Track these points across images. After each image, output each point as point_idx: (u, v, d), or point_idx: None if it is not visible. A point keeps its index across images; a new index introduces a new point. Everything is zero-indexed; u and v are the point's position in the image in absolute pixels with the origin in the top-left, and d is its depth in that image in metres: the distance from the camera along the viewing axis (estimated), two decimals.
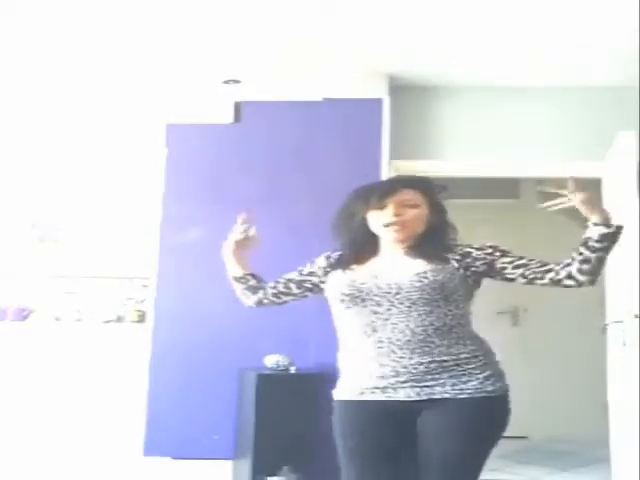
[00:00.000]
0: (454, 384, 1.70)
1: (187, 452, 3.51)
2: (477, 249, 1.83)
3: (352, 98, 3.71)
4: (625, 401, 3.27)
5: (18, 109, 3.99)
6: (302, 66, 3.71)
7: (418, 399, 1.70)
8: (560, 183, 1.84)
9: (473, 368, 1.72)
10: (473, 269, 1.81)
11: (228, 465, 3.46)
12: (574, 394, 4.94)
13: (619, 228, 1.92)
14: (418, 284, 1.73)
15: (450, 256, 1.81)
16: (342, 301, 1.79)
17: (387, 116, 3.69)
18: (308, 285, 1.98)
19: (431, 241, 1.83)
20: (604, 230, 1.88)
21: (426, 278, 1.73)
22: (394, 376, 1.70)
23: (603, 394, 3.64)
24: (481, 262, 1.81)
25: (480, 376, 1.72)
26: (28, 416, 3.64)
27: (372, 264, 1.85)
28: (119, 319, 3.80)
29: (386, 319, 1.73)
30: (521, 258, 1.85)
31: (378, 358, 1.72)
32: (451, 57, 3.63)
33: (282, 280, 2.01)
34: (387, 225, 1.80)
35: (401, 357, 1.70)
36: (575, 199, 1.86)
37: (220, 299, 3.57)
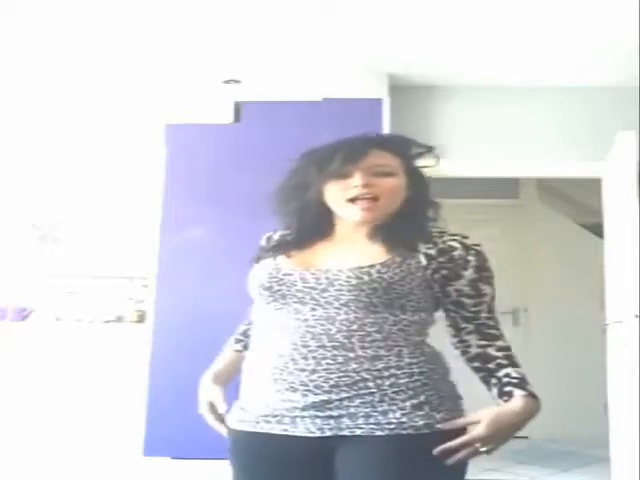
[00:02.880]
0: (368, 414, 1.23)
1: (187, 452, 3.51)
2: (465, 247, 1.34)
3: (352, 98, 3.71)
4: (625, 401, 3.27)
5: (18, 109, 3.99)
6: (302, 66, 3.71)
7: (321, 435, 1.24)
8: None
9: (398, 391, 1.24)
10: (444, 273, 1.33)
11: (228, 465, 3.46)
12: (574, 394, 4.94)
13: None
14: (354, 282, 1.27)
15: (422, 247, 1.33)
16: (260, 295, 1.35)
17: (387, 116, 3.69)
18: None
19: (402, 222, 1.38)
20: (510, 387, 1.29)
21: (367, 274, 1.28)
22: (290, 399, 1.25)
23: (603, 394, 3.64)
24: (460, 267, 1.33)
25: (406, 404, 1.23)
26: (28, 416, 3.64)
27: (315, 250, 1.39)
28: (119, 319, 3.80)
29: (304, 320, 1.28)
30: (485, 313, 1.35)
31: (276, 371, 1.27)
32: (451, 57, 3.63)
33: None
34: (352, 200, 1.35)
35: (302, 369, 1.25)
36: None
37: (220, 299, 3.58)
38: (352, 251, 1.36)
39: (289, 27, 3.29)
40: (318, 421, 1.24)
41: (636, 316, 3.16)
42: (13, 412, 3.65)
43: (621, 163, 3.39)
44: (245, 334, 1.56)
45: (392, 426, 1.22)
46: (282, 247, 1.43)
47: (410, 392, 1.25)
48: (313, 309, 1.29)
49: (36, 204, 3.95)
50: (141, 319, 3.76)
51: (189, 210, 3.70)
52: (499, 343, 1.33)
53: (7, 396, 3.66)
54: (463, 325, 1.35)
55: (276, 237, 1.49)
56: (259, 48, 3.51)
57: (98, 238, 3.88)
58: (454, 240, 1.35)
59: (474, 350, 1.33)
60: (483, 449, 1.24)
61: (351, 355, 1.25)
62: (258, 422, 1.31)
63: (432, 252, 1.33)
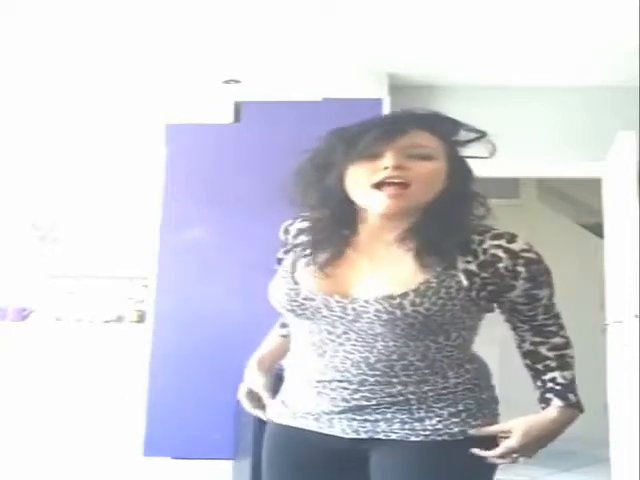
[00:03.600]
0: (404, 420, 1.17)
1: (187, 452, 3.51)
2: (511, 256, 1.15)
3: (352, 98, 3.71)
4: (625, 401, 3.27)
5: (18, 109, 3.99)
6: (302, 66, 3.71)
7: (356, 437, 1.19)
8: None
9: (437, 400, 1.18)
10: (491, 289, 1.16)
11: (228, 465, 3.46)
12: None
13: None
14: (385, 317, 1.13)
15: (460, 262, 1.15)
16: (286, 311, 1.25)
17: None
18: None
19: (439, 223, 1.17)
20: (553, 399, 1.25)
21: (399, 308, 1.12)
22: (330, 409, 1.21)
23: (603, 394, 3.64)
24: (508, 279, 1.16)
25: (444, 412, 1.17)
26: (28, 416, 3.64)
27: (336, 262, 1.23)
28: (119, 319, 3.80)
29: (340, 344, 1.18)
30: (553, 315, 1.27)
31: (319, 385, 1.21)
32: (451, 57, 3.63)
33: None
34: (378, 186, 1.14)
35: (344, 388, 1.19)
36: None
37: (220, 299, 3.59)
38: (379, 267, 1.19)
39: (289, 27, 3.29)
40: (354, 423, 1.19)
41: (636, 316, 3.16)
42: (13, 412, 3.65)
43: (621, 163, 3.39)
44: None
45: (427, 432, 1.16)
46: (299, 252, 1.27)
47: (449, 401, 1.18)
48: (346, 333, 1.18)
49: (36, 204, 3.95)
50: (141, 319, 3.76)
51: (189, 210, 3.70)
52: (555, 340, 1.27)
53: (7, 396, 3.66)
54: (519, 324, 1.28)
55: (293, 231, 1.33)
56: (259, 48, 3.51)
57: (98, 238, 3.88)
58: (498, 247, 1.15)
59: (527, 346, 1.27)
60: (518, 458, 1.21)
61: (395, 380, 1.17)
62: (296, 417, 1.26)
63: (473, 268, 1.14)
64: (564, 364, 1.26)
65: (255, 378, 1.41)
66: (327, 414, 1.22)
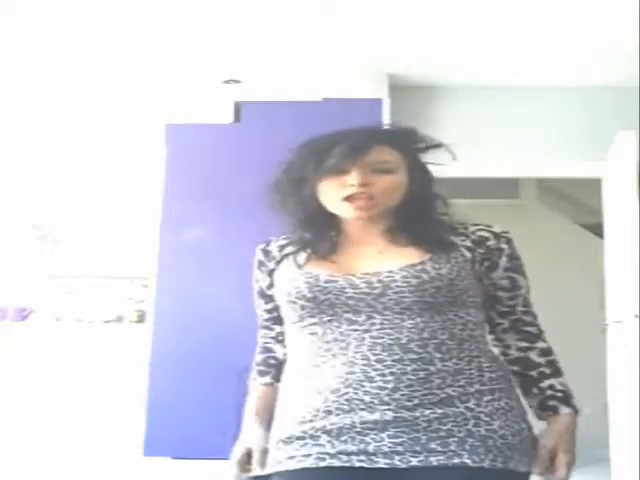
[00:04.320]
0: (462, 440, 1.10)
1: (187, 452, 3.51)
2: (495, 236, 1.29)
3: (352, 98, 3.71)
4: (625, 401, 3.27)
5: (18, 109, 3.99)
6: (302, 66, 3.71)
7: (405, 466, 1.09)
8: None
9: (493, 413, 1.13)
10: (486, 264, 1.26)
11: (228, 465, 3.46)
12: (574, 394, 4.93)
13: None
14: (414, 281, 1.16)
15: (458, 240, 1.26)
16: (302, 308, 1.20)
17: (387, 116, 3.69)
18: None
19: (420, 218, 1.28)
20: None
21: (424, 272, 1.17)
22: (368, 420, 1.11)
23: (603, 394, 3.64)
24: (495, 257, 1.27)
25: (506, 432, 1.12)
26: (28, 416, 3.64)
27: (342, 252, 1.27)
28: (119, 319, 3.80)
29: (365, 331, 1.15)
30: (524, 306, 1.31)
31: (345, 391, 1.13)
32: (451, 57, 3.63)
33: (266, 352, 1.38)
34: (346, 199, 1.23)
35: (382, 387, 1.11)
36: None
37: (220, 299, 3.59)
38: (385, 252, 1.24)
39: (289, 27, 3.29)
40: (400, 448, 1.09)
41: (636, 316, 3.16)
42: (13, 412, 3.65)
43: (621, 163, 3.39)
44: (267, 364, 1.37)
45: (490, 457, 1.09)
46: (299, 250, 1.29)
47: (505, 418, 1.14)
48: (370, 317, 1.16)
49: (36, 204, 3.95)
50: (141, 319, 3.76)
51: (189, 210, 3.70)
52: (540, 345, 1.29)
53: (7, 396, 3.66)
54: (499, 321, 1.30)
55: (276, 248, 1.34)
56: (259, 48, 3.51)
57: (98, 238, 3.88)
58: (482, 230, 1.28)
59: (514, 353, 1.28)
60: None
61: (432, 369, 1.13)
62: (322, 458, 1.12)
63: (469, 244, 1.25)
64: (556, 370, 1.29)
65: (257, 433, 1.30)
66: (361, 427, 1.11)
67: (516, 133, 3.90)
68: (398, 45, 3.48)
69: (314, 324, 1.20)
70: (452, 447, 1.09)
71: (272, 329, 1.37)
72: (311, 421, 1.15)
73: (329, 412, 1.14)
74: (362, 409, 1.12)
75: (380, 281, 1.17)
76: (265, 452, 1.25)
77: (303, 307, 1.21)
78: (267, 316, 1.37)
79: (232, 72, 3.75)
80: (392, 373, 1.12)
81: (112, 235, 3.87)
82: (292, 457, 1.16)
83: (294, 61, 3.66)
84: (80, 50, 3.51)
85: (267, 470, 1.22)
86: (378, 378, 1.12)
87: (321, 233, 1.29)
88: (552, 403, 1.24)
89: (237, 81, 3.79)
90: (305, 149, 1.30)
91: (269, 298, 1.33)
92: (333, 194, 1.25)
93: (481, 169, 3.95)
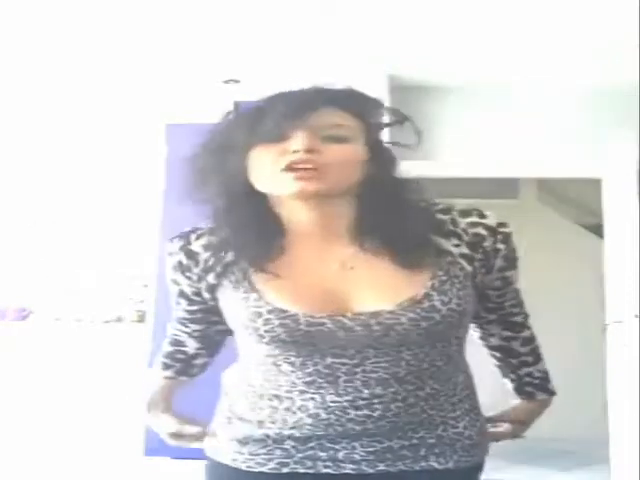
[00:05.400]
0: (431, 447, 1.05)
1: (187, 452, 3.50)
2: (492, 233, 1.07)
3: None
4: (625, 401, 3.27)
5: (18, 109, 3.99)
6: (302, 66, 3.71)
7: (372, 471, 1.04)
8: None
9: (458, 416, 1.08)
10: (482, 271, 1.07)
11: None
12: (574, 394, 4.94)
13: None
14: (425, 324, 0.99)
15: (450, 245, 1.04)
16: (275, 348, 1.02)
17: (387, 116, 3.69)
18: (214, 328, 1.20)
19: (392, 209, 1.02)
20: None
21: (436, 311, 0.99)
22: (344, 432, 1.02)
23: (603, 394, 3.64)
24: (492, 258, 1.08)
25: (471, 432, 1.09)
26: (28, 416, 3.64)
27: (291, 269, 1.02)
28: (119, 319, 3.80)
29: (356, 365, 1.00)
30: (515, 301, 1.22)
31: (325, 416, 1.01)
32: (451, 57, 3.62)
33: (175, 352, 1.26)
34: (286, 169, 0.96)
35: (368, 415, 1.01)
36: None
37: None
38: (353, 267, 1.02)
39: (289, 27, 3.29)
40: (372, 457, 1.02)
41: (636, 316, 3.16)
42: (13, 412, 3.65)
43: (621, 163, 3.39)
44: (174, 357, 1.26)
45: (455, 458, 1.06)
46: (240, 259, 1.04)
47: (466, 417, 1.08)
48: (361, 352, 0.99)
49: (36, 204, 3.95)
50: (141, 319, 3.76)
51: (189, 210, 3.69)
52: (525, 334, 1.24)
53: (7, 396, 3.66)
54: (485, 315, 1.20)
55: (201, 244, 1.10)
56: (259, 48, 3.51)
57: (98, 238, 3.88)
58: (477, 225, 1.06)
59: (496, 341, 1.23)
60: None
61: (421, 394, 1.02)
62: (287, 463, 1.04)
63: (466, 251, 1.04)
64: (537, 357, 1.27)
65: (164, 420, 1.26)
66: (333, 436, 1.02)
67: (516, 133, 3.90)
68: (398, 45, 3.48)
69: (292, 354, 1.02)
70: (421, 452, 1.04)
71: (189, 327, 1.22)
72: (280, 428, 1.04)
73: (300, 427, 1.03)
74: (342, 437, 1.02)
75: (380, 323, 0.98)
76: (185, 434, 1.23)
77: (277, 347, 1.01)
78: (187, 316, 1.20)
79: (232, 72, 3.75)
80: (381, 402, 1.00)
81: (112, 235, 3.87)
82: (249, 459, 1.06)
83: (294, 61, 3.66)
84: (80, 50, 3.51)
85: (211, 455, 1.17)
86: (364, 406, 1.00)
87: (253, 228, 1.02)
88: (529, 389, 1.26)
89: (237, 81, 3.79)
90: (232, 114, 1.07)
91: (194, 302, 1.15)
92: (268, 164, 0.97)
93: (481, 169, 3.95)
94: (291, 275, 1.01)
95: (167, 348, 1.28)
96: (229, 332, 1.15)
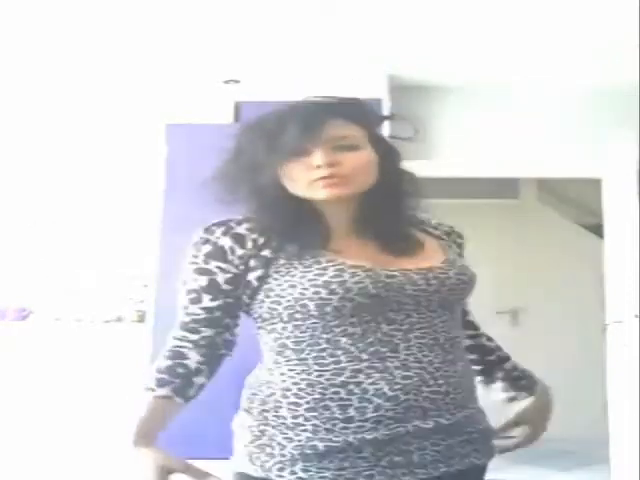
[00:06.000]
0: (473, 442, 1.12)
1: (187, 452, 3.50)
2: (456, 233, 1.30)
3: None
4: (625, 401, 3.27)
5: (18, 109, 3.99)
6: (302, 66, 3.71)
7: (438, 474, 1.07)
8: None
9: (481, 410, 1.17)
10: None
11: (228, 465, 3.46)
12: (574, 394, 4.94)
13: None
14: (464, 278, 1.14)
15: (439, 233, 1.27)
16: (353, 307, 1.06)
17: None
18: (234, 313, 1.18)
19: (390, 211, 1.18)
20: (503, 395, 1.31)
21: (467, 270, 1.16)
22: (423, 428, 1.05)
23: (603, 394, 3.64)
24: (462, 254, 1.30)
25: (489, 426, 1.17)
26: (28, 416, 3.64)
27: (343, 247, 1.14)
28: (119, 319, 3.80)
29: (408, 331, 1.07)
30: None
31: (403, 398, 1.04)
32: (451, 57, 3.62)
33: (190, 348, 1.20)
34: (316, 180, 1.11)
35: (437, 392, 1.06)
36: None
37: None
38: (395, 246, 1.15)
39: (289, 27, 3.29)
40: (439, 456, 1.06)
41: (636, 316, 3.17)
42: (13, 412, 3.65)
43: (621, 163, 3.40)
44: (173, 372, 1.19)
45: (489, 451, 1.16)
46: (296, 242, 1.11)
47: (482, 414, 1.16)
48: (408, 316, 1.08)
49: (35, 204, 3.95)
50: (141, 319, 3.76)
51: (189, 210, 3.69)
52: (483, 331, 1.31)
53: (7, 396, 3.66)
54: None
55: (246, 227, 1.17)
56: (259, 48, 3.51)
57: (98, 238, 3.88)
58: (442, 224, 1.28)
59: (467, 341, 1.26)
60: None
61: (458, 368, 1.10)
62: (372, 475, 1.03)
63: (447, 239, 1.25)
64: (508, 355, 1.32)
65: (154, 456, 1.21)
66: (411, 436, 1.04)
67: (516, 133, 3.90)
68: (398, 45, 3.48)
69: (352, 324, 1.06)
70: (467, 449, 1.09)
71: (198, 332, 1.18)
72: (355, 432, 1.03)
73: (379, 422, 1.03)
74: (418, 417, 1.04)
75: (436, 278, 1.10)
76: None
77: (358, 304, 1.06)
78: (204, 316, 1.17)
79: (232, 72, 3.75)
80: (442, 376, 1.07)
81: (112, 235, 3.87)
82: (337, 475, 1.03)
83: (294, 61, 3.66)
84: (80, 50, 3.51)
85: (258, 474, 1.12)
86: (432, 382, 1.06)
87: (303, 221, 1.14)
88: (524, 383, 1.28)
89: (237, 81, 3.79)
90: (252, 132, 1.18)
91: (220, 294, 1.15)
92: (298, 177, 1.12)
93: (481, 169, 3.95)
94: (344, 251, 1.11)
95: (164, 363, 1.20)
96: (233, 344, 1.20)
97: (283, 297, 1.09)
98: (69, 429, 3.63)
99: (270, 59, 3.64)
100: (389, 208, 1.18)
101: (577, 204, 5.62)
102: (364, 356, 1.04)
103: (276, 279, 1.10)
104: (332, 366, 1.05)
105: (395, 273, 1.08)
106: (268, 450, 1.09)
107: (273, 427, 1.10)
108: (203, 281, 1.16)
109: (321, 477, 1.03)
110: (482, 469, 1.13)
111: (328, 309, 1.05)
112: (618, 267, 3.45)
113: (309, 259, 1.09)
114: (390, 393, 1.03)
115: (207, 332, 1.17)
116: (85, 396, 3.64)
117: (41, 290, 3.86)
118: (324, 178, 1.10)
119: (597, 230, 4.43)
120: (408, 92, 3.87)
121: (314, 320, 1.07)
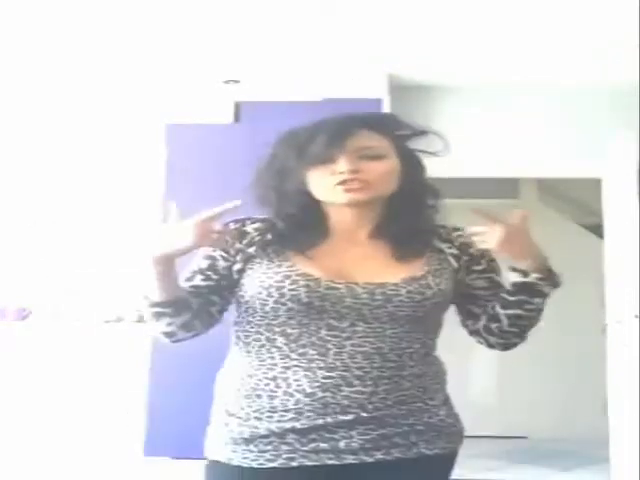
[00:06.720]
0: (419, 433, 1.20)
1: (187, 452, 3.50)
2: (470, 245, 1.28)
3: (352, 98, 3.70)
4: (625, 401, 3.27)
5: (18, 109, 3.99)
6: (302, 66, 3.71)
7: (372, 460, 1.18)
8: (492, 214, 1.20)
9: (439, 404, 1.25)
10: (475, 277, 1.29)
11: None
12: (574, 394, 4.94)
13: (544, 278, 1.28)
14: (418, 298, 1.18)
15: (445, 247, 1.28)
16: (288, 310, 1.18)
17: None
18: (224, 293, 1.27)
19: (408, 218, 1.26)
20: (518, 279, 1.24)
21: (429, 288, 1.19)
22: (343, 420, 1.16)
23: (603, 394, 3.64)
24: (481, 269, 1.29)
25: (451, 420, 1.26)
26: (28, 416, 3.64)
27: (330, 251, 1.24)
28: (119, 319, 3.80)
29: (347, 338, 1.17)
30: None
31: (321, 395, 1.16)
32: (451, 57, 3.63)
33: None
34: (339, 184, 1.21)
35: (360, 392, 1.16)
36: (492, 236, 1.19)
37: None
38: (375, 257, 1.24)
39: (289, 27, 3.29)
40: (369, 445, 1.17)
41: (636, 316, 3.17)
42: (13, 412, 3.65)
43: (621, 163, 3.40)
44: (197, 289, 1.28)
45: (441, 445, 1.22)
46: (282, 241, 1.23)
47: (444, 407, 1.25)
48: (354, 324, 1.17)
49: (35, 204, 3.95)
50: (141, 319, 3.75)
51: (189, 210, 3.69)
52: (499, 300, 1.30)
53: (7, 396, 3.66)
54: (476, 311, 1.32)
55: (255, 227, 1.27)
56: (259, 48, 3.51)
57: (98, 238, 3.88)
58: (459, 233, 1.30)
59: (490, 311, 1.28)
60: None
61: (404, 373, 1.20)
62: (293, 457, 1.17)
63: (455, 252, 1.28)
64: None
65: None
66: (332, 426, 1.16)
67: (516, 133, 3.90)
68: (398, 45, 3.48)
69: (290, 325, 1.19)
70: (412, 439, 1.19)
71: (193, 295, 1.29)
72: (279, 421, 1.18)
73: (300, 413, 1.17)
74: (337, 412, 1.16)
75: (383, 294, 1.18)
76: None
77: (290, 309, 1.18)
78: (190, 290, 1.27)
79: (232, 72, 3.75)
80: (371, 379, 1.17)
81: (112, 235, 3.87)
82: (259, 456, 1.19)
83: (294, 61, 3.66)
84: (80, 50, 3.51)
85: (213, 457, 1.26)
86: (357, 382, 1.16)
87: (305, 226, 1.25)
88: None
89: (237, 81, 3.79)
90: (285, 141, 1.29)
91: (209, 278, 1.27)
92: (323, 182, 1.22)
93: (481, 169, 3.95)
94: (320, 257, 1.22)
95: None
96: (222, 313, 1.30)
97: (246, 292, 1.23)
98: (69, 429, 3.63)
99: (270, 59, 3.64)
100: (406, 216, 1.26)
101: (577, 204, 5.62)
102: (294, 355, 1.18)
103: (248, 275, 1.23)
104: (268, 361, 1.20)
105: (339, 285, 1.18)
106: (212, 433, 1.31)
107: (220, 413, 1.29)
108: (203, 264, 1.30)
109: (244, 457, 1.19)
110: (440, 459, 1.22)
111: (267, 309, 1.20)
112: (618, 267, 3.45)
113: (276, 261, 1.22)
114: (309, 390, 1.16)
115: (196, 300, 1.28)
116: (85, 396, 3.64)
117: (41, 290, 3.85)
118: (345, 182, 1.19)
119: (597, 230, 4.43)
120: (408, 92, 3.87)
121: (259, 318, 1.22)
